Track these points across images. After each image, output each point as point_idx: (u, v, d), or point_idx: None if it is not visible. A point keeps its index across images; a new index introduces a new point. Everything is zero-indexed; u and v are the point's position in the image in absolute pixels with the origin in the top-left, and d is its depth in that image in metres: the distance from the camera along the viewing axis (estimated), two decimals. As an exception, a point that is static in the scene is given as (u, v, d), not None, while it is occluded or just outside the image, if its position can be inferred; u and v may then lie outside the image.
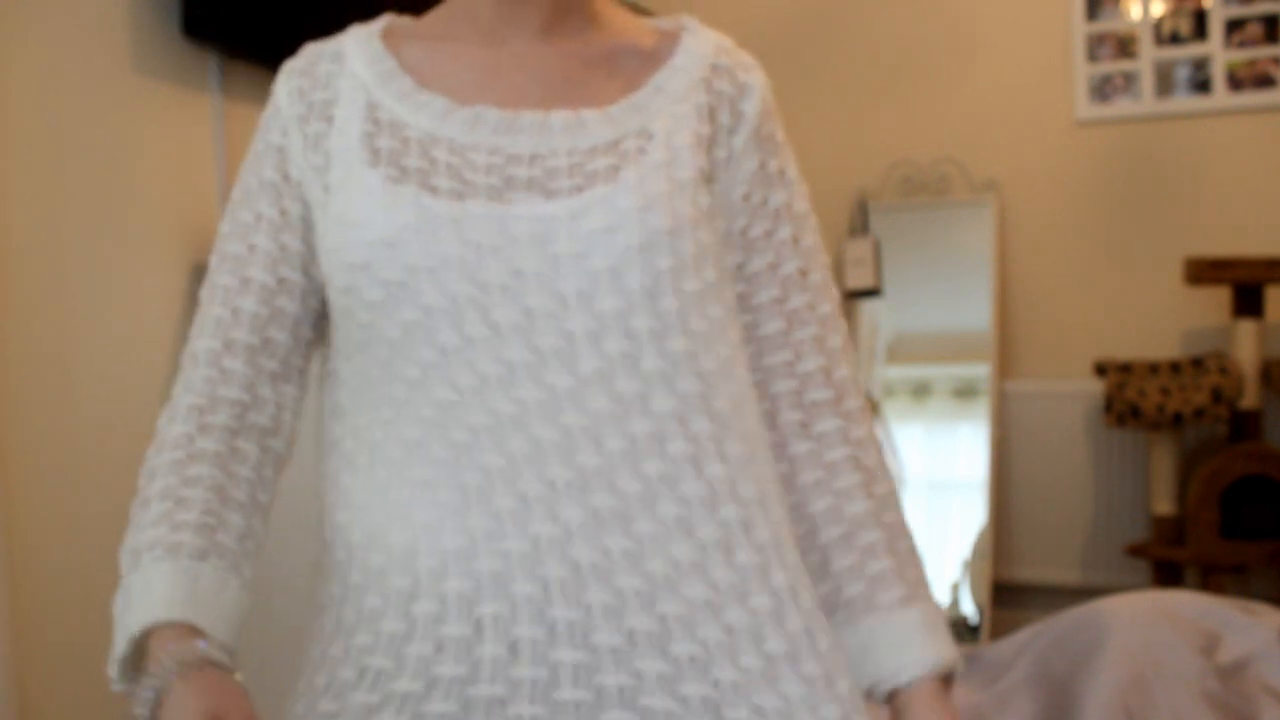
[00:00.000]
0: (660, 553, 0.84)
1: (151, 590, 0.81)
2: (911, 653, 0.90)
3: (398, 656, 0.85)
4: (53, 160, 1.91)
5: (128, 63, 2.08)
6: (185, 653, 0.77)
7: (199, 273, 2.21)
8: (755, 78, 0.98)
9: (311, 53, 0.98)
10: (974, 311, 3.56)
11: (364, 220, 0.86)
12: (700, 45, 0.98)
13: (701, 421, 0.86)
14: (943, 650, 0.91)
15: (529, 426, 0.84)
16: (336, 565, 0.92)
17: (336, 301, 0.90)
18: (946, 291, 3.68)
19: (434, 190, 0.87)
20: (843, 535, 0.94)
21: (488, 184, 0.87)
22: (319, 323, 0.96)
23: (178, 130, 2.17)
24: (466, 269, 0.84)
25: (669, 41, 0.99)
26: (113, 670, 0.82)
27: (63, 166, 1.93)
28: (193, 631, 0.80)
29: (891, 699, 0.91)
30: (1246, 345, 3.14)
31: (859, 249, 3.60)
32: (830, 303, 0.98)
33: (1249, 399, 3.13)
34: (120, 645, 0.80)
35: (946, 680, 0.92)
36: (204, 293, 0.95)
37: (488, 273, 0.84)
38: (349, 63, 0.95)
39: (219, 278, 0.94)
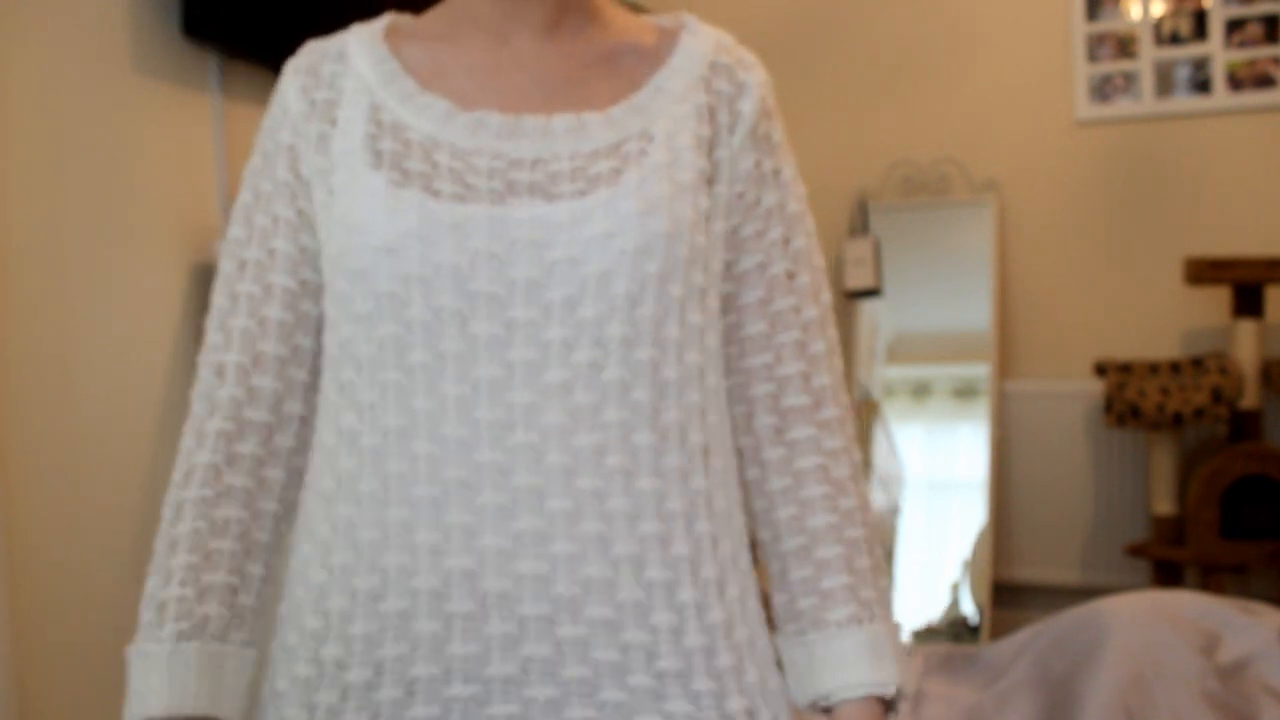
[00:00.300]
0: (570, 574, 0.83)
1: (175, 674, 0.85)
2: (850, 673, 0.89)
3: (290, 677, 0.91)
4: (53, 160, 1.91)
5: (128, 63, 2.08)
6: None
7: (199, 272, 2.21)
8: (754, 76, 0.97)
9: (315, 51, 0.97)
10: (974, 311, 3.56)
11: (367, 224, 0.85)
12: (700, 44, 0.97)
13: (644, 434, 0.85)
14: (884, 674, 0.89)
15: (473, 451, 0.83)
16: (293, 574, 0.94)
17: (327, 312, 0.90)
18: (946, 291, 3.68)
19: (436, 194, 0.86)
20: (801, 547, 0.94)
21: (489, 188, 0.87)
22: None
23: (178, 130, 2.17)
24: (459, 279, 0.84)
25: (669, 40, 0.98)
26: None
27: (63, 166, 1.93)
28: None
29: (831, 716, 0.90)
30: (1246, 345, 3.14)
31: (859, 249, 3.60)
32: (817, 307, 0.96)
33: (1249, 399, 3.13)
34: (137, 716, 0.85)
35: (890, 704, 0.90)
36: (223, 300, 0.94)
37: (478, 282, 0.84)
38: (353, 63, 0.94)
39: (241, 285, 0.93)
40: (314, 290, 0.93)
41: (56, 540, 1.93)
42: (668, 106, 0.93)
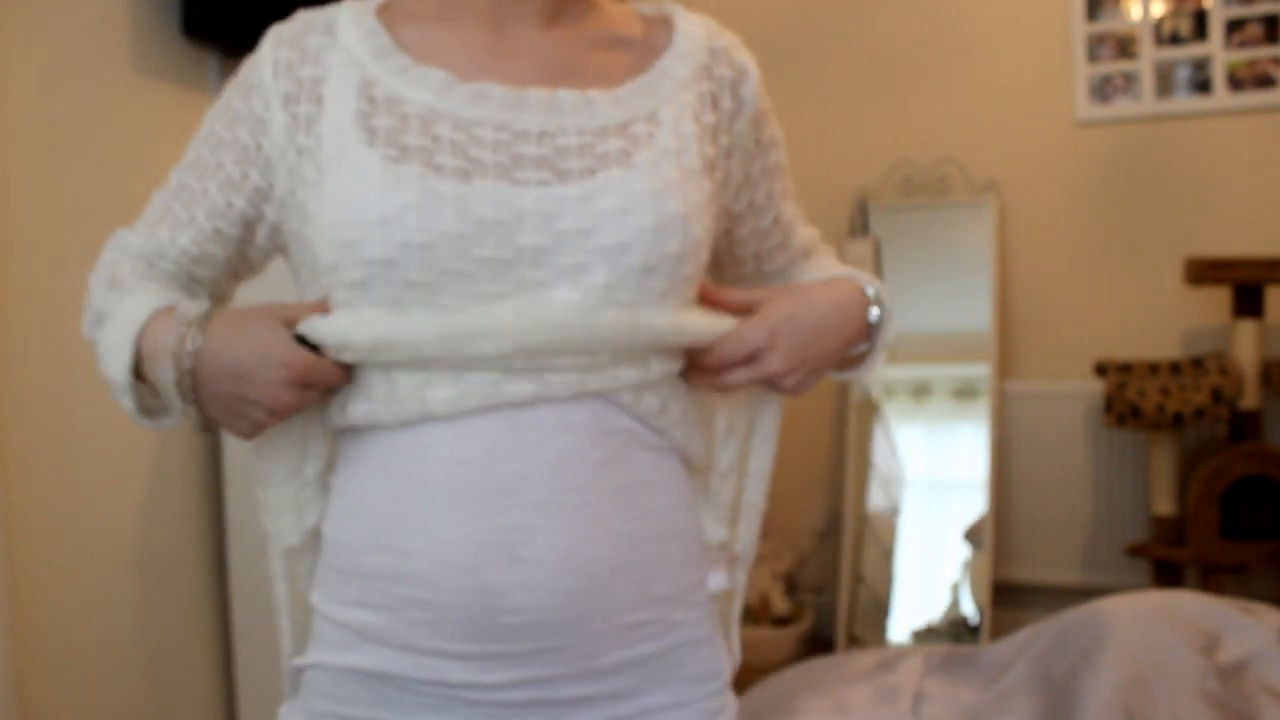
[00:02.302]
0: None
1: (132, 310, 0.92)
2: (838, 270, 1.07)
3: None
4: (53, 160, 1.91)
5: (128, 63, 2.08)
6: (186, 311, 0.90)
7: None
8: (748, 57, 1.03)
9: (302, 21, 0.96)
10: (974, 311, 3.56)
11: (360, 200, 0.85)
12: (695, 29, 1.01)
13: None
14: (869, 279, 1.04)
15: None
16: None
17: (322, 282, 0.90)
18: (946, 291, 3.68)
19: (438, 169, 0.86)
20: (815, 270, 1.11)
21: (495, 161, 0.87)
22: (240, 273, 1.02)
23: (178, 130, 2.17)
24: (463, 244, 0.85)
25: (663, 27, 1.01)
26: (127, 405, 0.92)
27: (63, 166, 1.93)
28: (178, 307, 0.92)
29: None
30: (1246, 345, 3.14)
31: (859, 249, 3.60)
32: (811, 228, 1.13)
33: (1249, 399, 3.13)
34: (121, 355, 0.90)
35: (866, 294, 1.03)
36: (156, 207, 1.00)
37: (484, 248, 0.85)
38: (341, 36, 0.93)
39: (170, 200, 0.99)
40: (226, 240, 0.97)
41: (56, 540, 1.93)
42: (674, 92, 0.95)
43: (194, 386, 0.88)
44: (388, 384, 0.88)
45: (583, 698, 0.91)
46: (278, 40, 0.95)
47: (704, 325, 0.93)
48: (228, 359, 0.87)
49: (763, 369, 0.95)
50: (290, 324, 0.89)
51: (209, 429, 0.93)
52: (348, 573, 0.92)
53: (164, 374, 0.88)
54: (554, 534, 0.87)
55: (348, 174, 0.87)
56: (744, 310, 0.97)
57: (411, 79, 0.91)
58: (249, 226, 0.97)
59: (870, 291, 1.02)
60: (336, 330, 0.87)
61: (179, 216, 0.98)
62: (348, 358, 0.88)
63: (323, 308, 0.90)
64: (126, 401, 0.92)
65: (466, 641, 0.88)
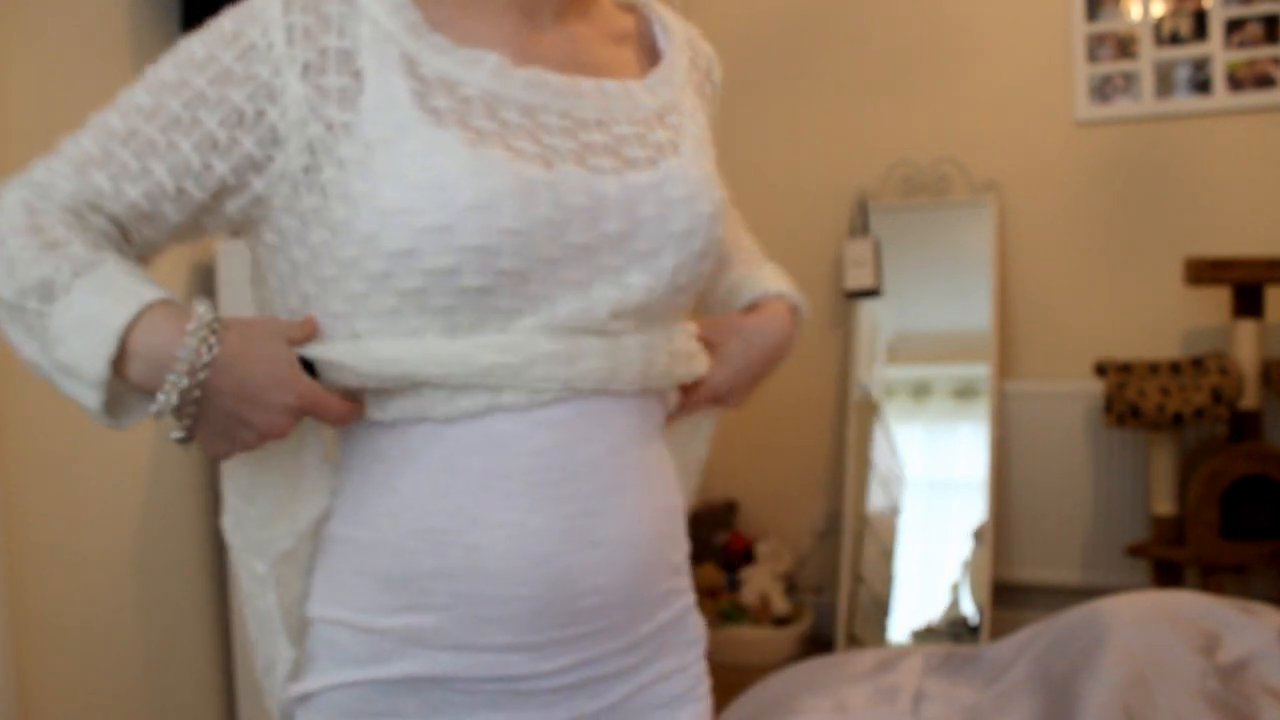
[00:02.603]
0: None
1: (108, 292, 0.82)
2: (768, 286, 1.12)
3: None
4: (53, 160, 1.91)
5: (127, 62, 2.08)
6: (205, 314, 0.83)
7: (198, 272, 2.21)
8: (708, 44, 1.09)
9: None
10: (974, 311, 3.56)
11: (450, 183, 0.81)
12: (671, 19, 1.05)
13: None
14: (794, 292, 1.13)
15: None
16: None
17: (367, 265, 0.84)
18: (946, 291, 3.68)
19: (519, 153, 0.85)
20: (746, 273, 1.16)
21: (569, 148, 0.88)
22: (182, 240, 0.92)
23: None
24: (555, 231, 0.85)
25: (644, 18, 1.05)
26: (93, 402, 0.82)
27: (63, 166, 1.93)
28: (175, 303, 0.84)
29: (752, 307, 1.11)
30: (1246, 345, 3.14)
31: (859, 249, 3.60)
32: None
33: (1249, 399, 3.13)
34: (101, 348, 0.80)
35: (794, 313, 1.13)
36: (91, 146, 0.87)
37: (574, 235, 0.86)
38: (364, 6, 0.87)
39: (117, 147, 0.87)
40: (187, 203, 0.87)
41: (56, 540, 1.93)
42: (683, 83, 1.00)
43: (198, 399, 0.82)
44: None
45: (621, 670, 0.93)
46: (287, 2, 0.87)
47: (703, 365, 1.03)
48: (240, 375, 0.82)
49: (721, 406, 1.09)
50: (293, 342, 0.86)
51: (188, 441, 0.85)
52: (394, 577, 0.88)
53: (172, 381, 0.81)
54: (619, 514, 0.90)
55: (417, 156, 0.82)
56: (702, 344, 1.03)
57: (460, 60, 0.88)
58: (220, 195, 0.87)
59: (800, 309, 1.14)
60: (393, 357, 0.84)
61: (129, 167, 0.86)
62: (371, 384, 0.85)
63: (312, 326, 0.87)
64: (91, 397, 0.82)
65: (536, 631, 0.88)
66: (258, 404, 0.83)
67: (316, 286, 0.87)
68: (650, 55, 1.02)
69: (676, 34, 1.03)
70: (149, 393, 0.82)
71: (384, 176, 0.82)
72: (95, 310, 0.81)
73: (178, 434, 0.84)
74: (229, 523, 0.96)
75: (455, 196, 0.81)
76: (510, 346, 0.85)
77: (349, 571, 0.90)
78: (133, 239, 0.89)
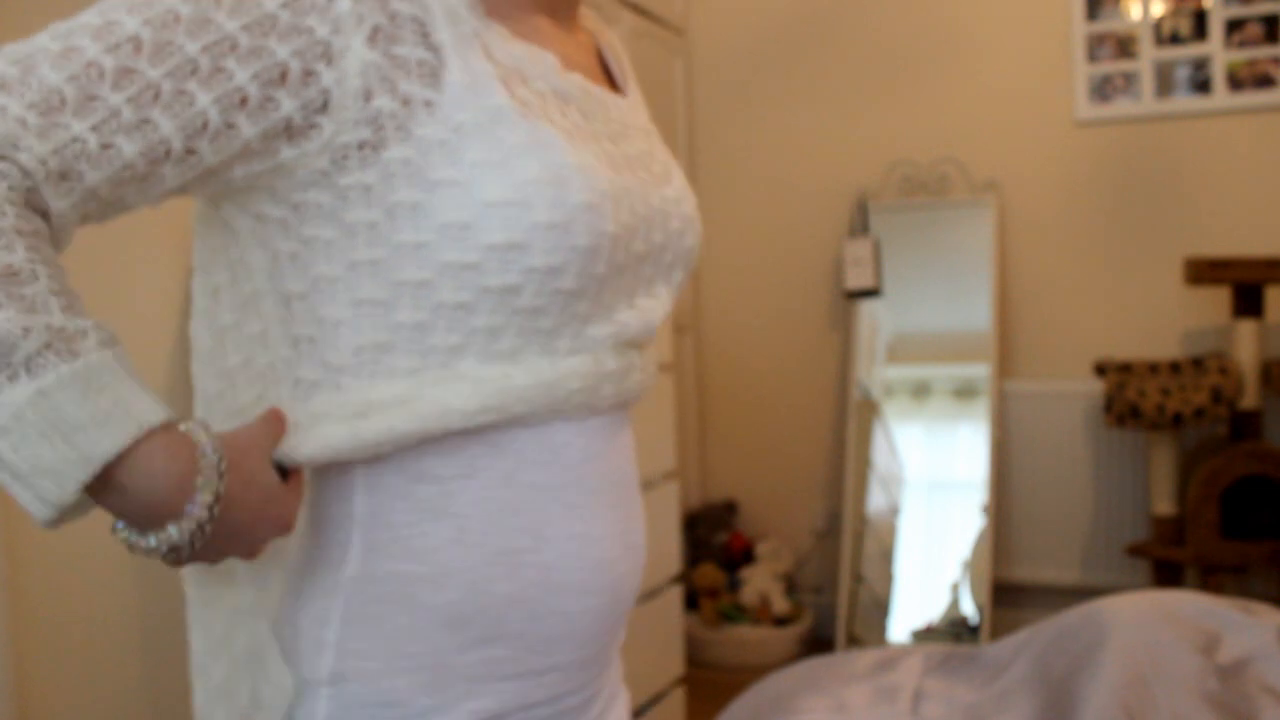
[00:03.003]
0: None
1: (92, 395, 0.64)
2: None
3: None
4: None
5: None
6: (212, 456, 0.69)
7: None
8: None
9: None
10: (974, 311, 3.56)
11: (562, 180, 0.76)
12: (597, 24, 1.03)
13: None
14: None
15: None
16: None
17: (442, 254, 0.76)
18: (946, 291, 3.68)
19: (597, 156, 0.83)
20: None
21: (621, 155, 0.87)
22: (161, 200, 0.78)
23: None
24: (629, 239, 0.84)
25: (588, 23, 1.02)
26: (42, 515, 0.65)
27: (63, 166, 1.93)
28: (172, 427, 0.69)
29: None
30: (1246, 345, 3.14)
31: (859, 249, 3.60)
32: None
33: (1249, 399, 3.13)
34: (64, 489, 0.65)
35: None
36: (110, 64, 0.69)
37: (636, 243, 0.85)
38: None
39: (108, 91, 0.69)
40: (190, 167, 0.73)
41: (56, 540, 1.93)
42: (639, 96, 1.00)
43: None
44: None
45: (609, 666, 0.93)
46: None
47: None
48: (231, 522, 0.72)
49: None
50: (274, 450, 0.77)
51: (178, 564, 0.73)
52: (465, 609, 0.79)
53: (169, 535, 0.68)
54: (639, 519, 0.91)
55: (525, 149, 0.76)
56: None
57: (523, 54, 0.82)
58: (234, 159, 0.75)
59: None
60: (480, 394, 0.78)
61: (122, 116, 0.69)
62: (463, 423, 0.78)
63: (280, 422, 0.78)
64: (42, 512, 0.65)
65: (595, 641, 0.86)
66: (244, 539, 0.74)
67: (345, 269, 0.78)
68: (614, 65, 1.00)
69: (619, 51, 1.01)
70: (115, 512, 0.69)
71: (483, 166, 0.75)
72: (72, 418, 0.63)
73: (165, 555, 0.71)
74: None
75: (568, 195, 0.76)
76: (590, 369, 0.82)
77: (401, 613, 0.79)
78: (103, 213, 0.74)
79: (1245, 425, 3.15)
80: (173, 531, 0.68)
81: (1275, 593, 3.19)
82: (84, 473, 0.64)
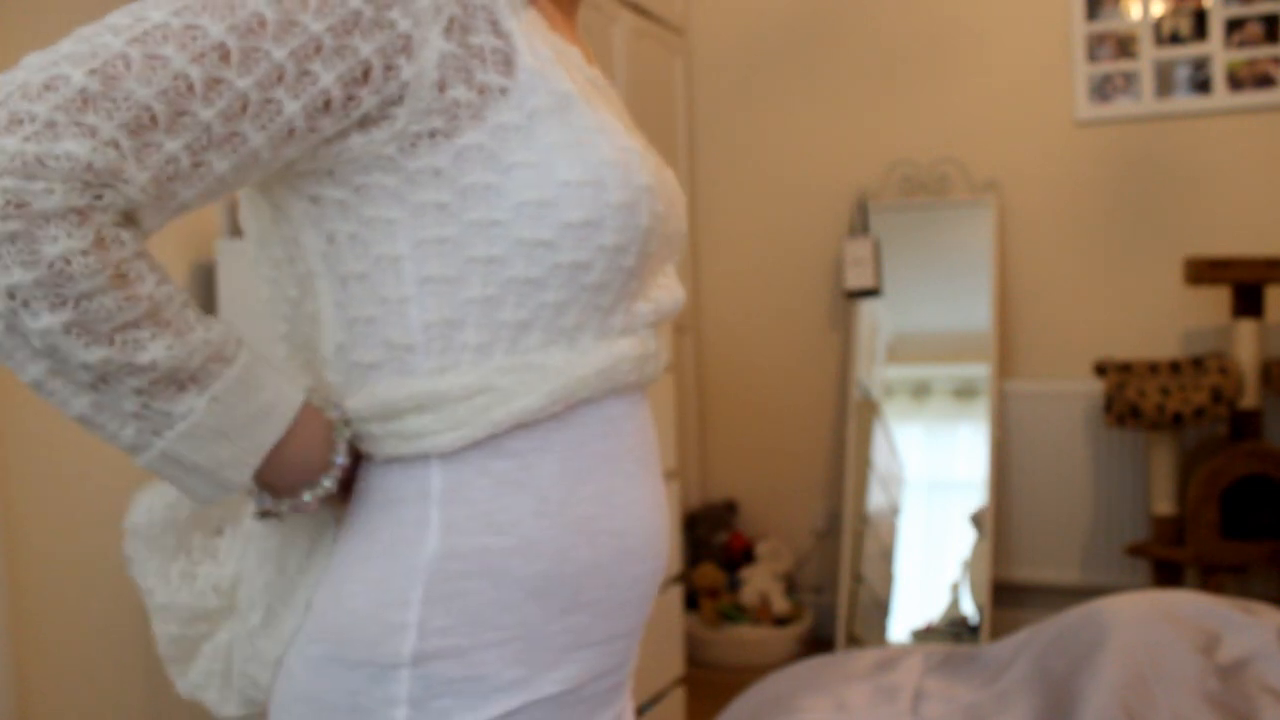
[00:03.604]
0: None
1: (253, 393, 0.73)
2: None
3: None
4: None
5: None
6: (341, 423, 0.80)
7: (199, 273, 2.21)
8: None
9: None
10: (974, 311, 3.56)
11: (628, 163, 0.80)
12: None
13: None
14: None
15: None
16: None
17: (518, 230, 0.78)
18: (946, 291, 3.68)
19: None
20: None
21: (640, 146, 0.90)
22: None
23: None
24: (670, 219, 0.86)
25: None
26: (246, 473, 0.74)
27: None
28: (310, 405, 0.79)
29: None
30: (1246, 345, 3.14)
31: (859, 249, 3.60)
32: None
33: (1249, 399, 3.13)
34: (241, 477, 0.74)
35: None
36: (198, 75, 0.67)
37: (672, 224, 0.87)
38: None
39: (204, 107, 0.68)
40: (271, 165, 0.74)
41: (56, 540, 1.93)
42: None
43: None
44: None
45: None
46: None
47: None
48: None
49: None
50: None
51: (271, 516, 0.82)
52: (551, 579, 0.81)
53: (329, 479, 0.79)
54: (663, 490, 0.93)
55: (593, 131, 0.79)
56: None
57: (559, 46, 0.84)
58: (303, 156, 0.76)
59: None
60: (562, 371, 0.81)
61: (213, 131, 0.68)
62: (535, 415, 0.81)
63: None
64: (219, 494, 0.75)
65: (647, 608, 0.89)
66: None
67: (411, 247, 0.78)
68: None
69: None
70: (270, 482, 0.78)
71: (558, 147, 0.77)
72: (242, 415, 0.73)
73: (269, 513, 0.81)
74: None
75: (633, 177, 0.80)
76: (637, 350, 0.86)
77: (489, 588, 0.79)
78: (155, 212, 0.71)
79: (1245, 425, 3.15)
80: (326, 483, 0.79)
81: (1275, 593, 3.19)
82: (258, 459, 0.74)
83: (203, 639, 0.93)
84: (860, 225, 3.70)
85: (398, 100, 0.74)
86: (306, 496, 0.79)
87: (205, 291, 2.23)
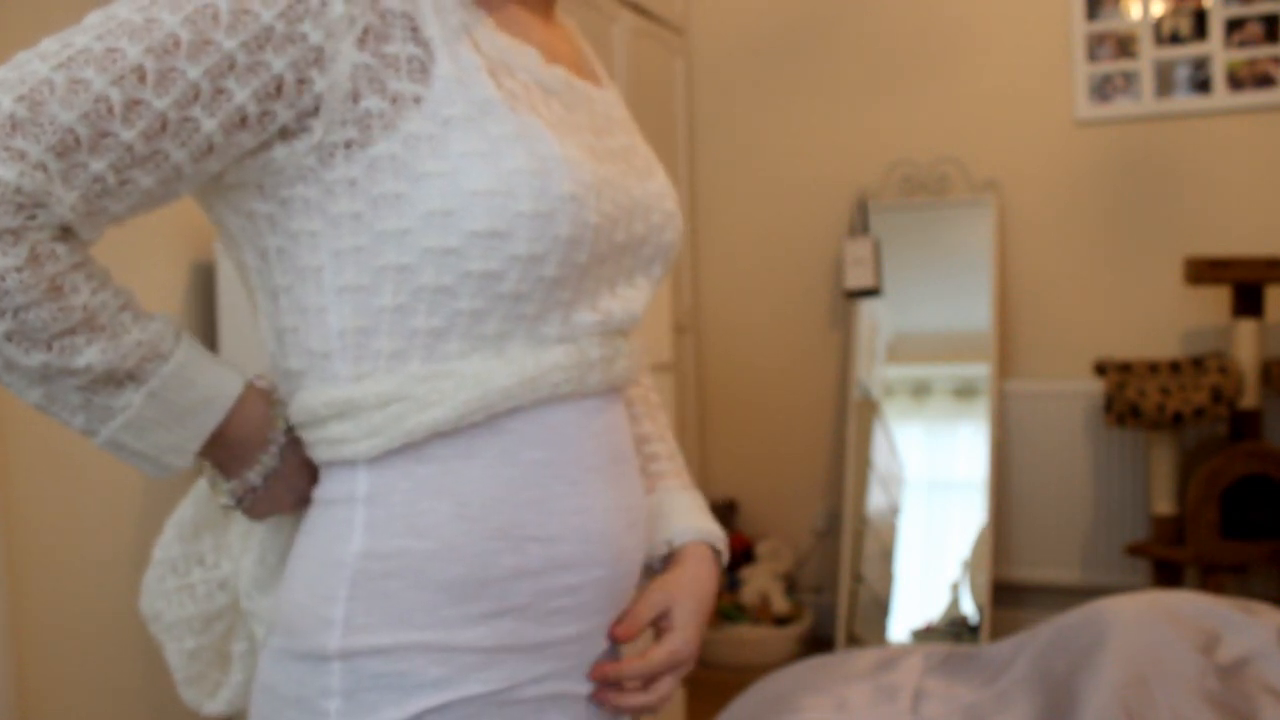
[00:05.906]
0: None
1: (196, 380, 0.80)
2: (696, 524, 1.02)
3: None
4: (53, 160, 1.91)
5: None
6: (274, 393, 0.85)
7: (199, 272, 2.21)
8: None
9: None
10: (974, 311, 3.56)
11: (547, 171, 0.78)
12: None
13: None
14: (715, 531, 1.03)
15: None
16: None
17: (424, 239, 0.78)
18: (946, 291, 3.68)
19: (579, 148, 0.84)
20: None
21: (603, 149, 0.88)
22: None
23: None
24: (611, 229, 0.85)
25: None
26: (186, 458, 0.81)
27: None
28: (256, 387, 0.85)
29: (670, 554, 1.01)
30: (1246, 345, 3.14)
31: (859, 249, 3.60)
32: None
33: (1249, 399, 3.13)
34: (186, 458, 0.81)
35: (718, 558, 1.03)
36: (117, 97, 0.71)
37: (618, 234, 0.86)
38: None
39: (120, 125, 0.71)
40: (196, 179, 0.77)
41: (56, 540, 1.93)
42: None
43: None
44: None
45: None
46: None
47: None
48: (300, 456, 0.86)
49: (683, 670, 0.96)
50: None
51: (237, 506, 0.87)
52: (469, 584, 0.81)
53: (267, 455, 0.84)
54: (640, 500, 0.93)
55: (510, 140, 0.78)
56: (654, 625, 0.96)
57: (508, 46, 0.84)
58: (229, 167, 0.78)
59: (722, 553, 1.04)
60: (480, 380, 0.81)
61: (135, 150, 0.72)
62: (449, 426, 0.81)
63: None
64: (164, 474, 0.83)
65: (599, 614, 0.89)
66: (303, 479, 0.86)
67: (329, 258, 0.80)
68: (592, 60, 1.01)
69: (586, 44, 1.01)
70: (215, 459, 0.85)
71: (469, 156, 0.77)
72: (180, 406, 0.79)
73: (227, 501, 0.86)
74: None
75: (552, 185, 0.78)
76: (574, 359, 0.85)
77: (409, 588, 0.80)
78: (105, 230, 0.77)
79: (1245, 425, 3.15)
80: (265, 460, 0.83)
81: (1275, 593, 3.19)
82: (197, 444, 0.80)
83: (225, 641, 0.96)
84: (860, 225, 3.70)
85: (313, 112, 0.76)
86: (252, 477, 0.84)
87: (205, 291, 2.23)
